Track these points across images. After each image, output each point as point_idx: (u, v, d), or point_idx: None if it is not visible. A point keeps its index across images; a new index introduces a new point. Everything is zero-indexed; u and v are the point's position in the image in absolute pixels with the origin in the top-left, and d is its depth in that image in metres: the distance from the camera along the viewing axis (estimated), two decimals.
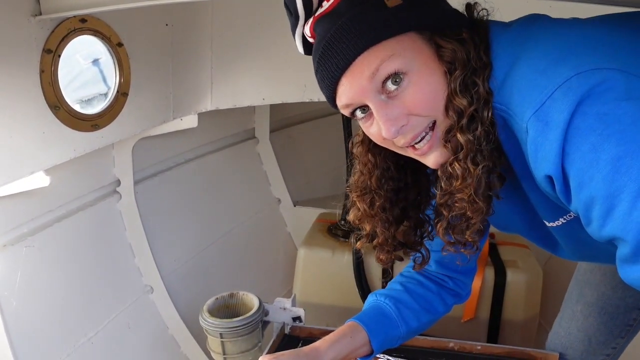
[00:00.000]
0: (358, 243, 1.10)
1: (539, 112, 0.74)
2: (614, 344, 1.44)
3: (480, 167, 0.84)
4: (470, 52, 0.84)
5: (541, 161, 0.77)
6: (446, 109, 0.84)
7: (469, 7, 0.90)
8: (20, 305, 1.61)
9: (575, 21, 0.87)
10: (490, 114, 0.83)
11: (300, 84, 2.03)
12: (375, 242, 1.08)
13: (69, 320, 1.78)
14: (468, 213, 0.89)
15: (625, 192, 0.69)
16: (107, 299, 1.96)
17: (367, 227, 1.07)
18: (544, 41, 0.81)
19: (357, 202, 1.05)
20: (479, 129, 0.83)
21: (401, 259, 1.13)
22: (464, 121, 0.83)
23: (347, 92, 0.85)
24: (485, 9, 0.90)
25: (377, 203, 1.03)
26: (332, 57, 0.83)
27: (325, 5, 0.85)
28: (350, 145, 1.06)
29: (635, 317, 1.40)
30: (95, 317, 1.89)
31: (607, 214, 0.73)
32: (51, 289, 1.75)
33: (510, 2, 1.11)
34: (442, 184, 0.90)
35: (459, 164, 0.85)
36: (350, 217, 1.08)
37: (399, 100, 0.84)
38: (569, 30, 0.83)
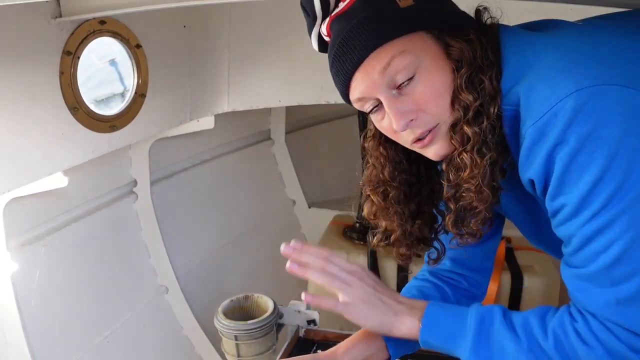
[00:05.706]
0: (375, 239, 1.12)
1: (538, 123, 0.80)
2: None
3: (486, 157, 0.88)
4: (477, 51, 0.87)
5: (529, 166, 0.83)
6: (452, 104, 0.88)
7: (478, 12, 0.94)
8: (38, 303, 1.62)
9: (586, 29, 0.91)
10: (496, 110, 0.87)
11: (317, 86, 2.03)
12: (392, 237, 1.09)
13: (86, 319, 1.80)
14: (474, 203, 0.92)
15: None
16: (123, 298, 1.97)
17: (383, 223, 1.08)
18: (555, 51, 0.85)
19: (371, 196, 1.07)
20: (485, 122, 0.87)
21: (419, 256, 1.14)
22: (470, 115, 0.87)
23: (360, 86, 0.89)
24: (494, 17, 0.94)
25: (391, 195, 1.05)
26: (346, 54, 0.88)
27: (341, 5, 0.90)
28: (362, 139, 1.08)
29: None
30: (111, 316, 1.90)
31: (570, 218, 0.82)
32: (68, 288, 1.76)
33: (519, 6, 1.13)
34: (450, 176, 0.93)
35: (467, 155, 0.89)
36: (365, 211, 1.10)
37: (408, 95, 0.88)
38: (580, 39, 0.87)
